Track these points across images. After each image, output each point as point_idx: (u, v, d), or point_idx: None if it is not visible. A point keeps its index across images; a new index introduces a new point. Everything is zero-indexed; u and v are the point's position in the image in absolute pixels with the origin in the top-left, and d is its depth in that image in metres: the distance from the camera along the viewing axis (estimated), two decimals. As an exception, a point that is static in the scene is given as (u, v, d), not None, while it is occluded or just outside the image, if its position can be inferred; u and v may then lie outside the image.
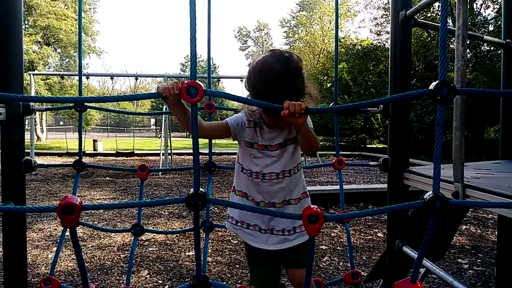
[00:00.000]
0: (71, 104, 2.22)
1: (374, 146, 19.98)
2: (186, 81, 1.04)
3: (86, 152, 16.71)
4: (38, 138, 27.17)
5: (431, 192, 1.06)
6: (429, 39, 18.22)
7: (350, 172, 10.28)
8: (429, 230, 1.07)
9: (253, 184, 1.66)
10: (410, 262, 1.98)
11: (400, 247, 2.03)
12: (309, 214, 1.11)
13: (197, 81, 1.02)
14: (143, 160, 14.08)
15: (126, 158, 14.46)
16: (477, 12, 18.81)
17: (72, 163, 2.17)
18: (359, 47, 21.31)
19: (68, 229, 1.15)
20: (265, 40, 47.23)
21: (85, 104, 2.01)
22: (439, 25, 1.96)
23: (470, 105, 13.65)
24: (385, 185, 2.24)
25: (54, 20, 23.90)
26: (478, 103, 13.75)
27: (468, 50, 17.31)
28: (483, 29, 17.36)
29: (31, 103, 1.96)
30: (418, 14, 2.08)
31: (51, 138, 29.59)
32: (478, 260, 3.71)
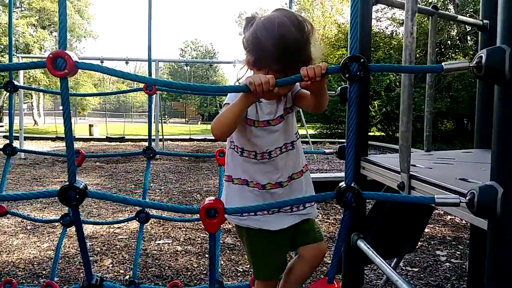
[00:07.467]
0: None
1: (372, 134, 19.81)
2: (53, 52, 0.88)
3: (81, 137, 16.64)
4: (35, 122, 27.10)
5: (343, 183, 0.92)
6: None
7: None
8: (343, 224, 0.93)
9: (257, 166, 1.52)
10: (366, 257, 1.84)
11: (355, 241, 1.90)
12: (208, 207, 0.97)
13: (66, 51, 0.86)
14: (135, 145, 13.96)
15: (119, 144, 14.36)
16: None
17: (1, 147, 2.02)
18: (359, 33, 20.92)
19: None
20: (266, 26, 46.63)
21: (16, 84, 1.85)
22: (403, 1, 1.79)
23: (471, 96, 13.54)
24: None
25: (49, 2, 23.54)
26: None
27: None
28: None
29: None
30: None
31: (50, 123, 29.44)
32: (458, 253, 3.59)
